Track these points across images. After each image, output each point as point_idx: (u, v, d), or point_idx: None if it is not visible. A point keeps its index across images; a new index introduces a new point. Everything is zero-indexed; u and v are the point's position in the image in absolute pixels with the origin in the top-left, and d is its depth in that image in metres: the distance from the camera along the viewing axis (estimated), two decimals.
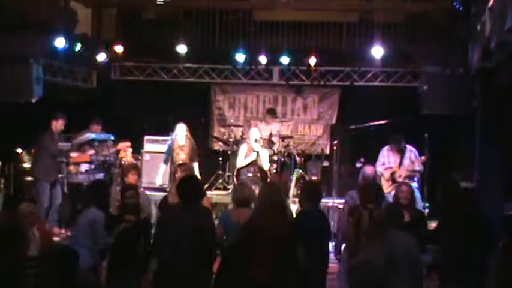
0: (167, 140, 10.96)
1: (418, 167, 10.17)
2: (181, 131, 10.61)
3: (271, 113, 12.76)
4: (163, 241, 6.05)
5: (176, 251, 5.82)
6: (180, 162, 10.20)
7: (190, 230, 5.80)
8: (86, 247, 6.55)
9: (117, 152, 10.94)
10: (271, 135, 11.97)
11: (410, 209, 7.38)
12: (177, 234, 5.84)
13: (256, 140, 10.71)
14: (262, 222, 6.06)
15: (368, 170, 8.44)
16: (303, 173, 12.16)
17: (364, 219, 6.00)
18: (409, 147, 10.23)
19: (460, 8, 10.19)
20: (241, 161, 10.81)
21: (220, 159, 12.63)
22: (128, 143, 10.96)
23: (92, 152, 10.60)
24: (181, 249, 5.80)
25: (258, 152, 10.67)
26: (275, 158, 11.71)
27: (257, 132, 10.93)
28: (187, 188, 6.13)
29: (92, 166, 10.61)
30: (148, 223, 7.10)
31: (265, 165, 10.85)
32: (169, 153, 10.70)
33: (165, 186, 10.80)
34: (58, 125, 10.31)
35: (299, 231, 6.58)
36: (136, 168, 8.26)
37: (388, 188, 9.73)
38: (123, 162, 10.92)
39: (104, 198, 6.98)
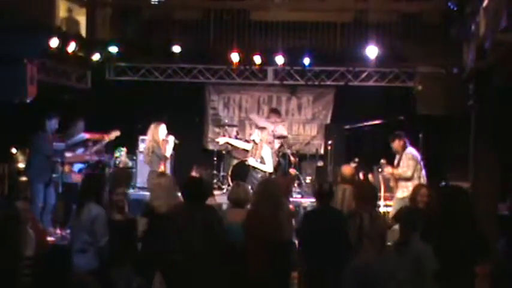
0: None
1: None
2: (163, 131, 10.53)
3: (275, 112, 12.78)
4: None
5: (187, 252, 5.92)
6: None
7: (201, 228, 5.91)
8: (87, 247, 6.44)
9: (112, 151, 10.92)
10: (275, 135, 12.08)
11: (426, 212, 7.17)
12: (188, 234, 5.94)
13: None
14: (254, 224, 6.11)
15: (344, 169, 8.11)
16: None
17: (365, 222, 5.95)
18: (409, 149, 9.53)
19: (455, 8, 10.19)
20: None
21: (215, 159, 12.63)
22: (118, 132, 10.79)
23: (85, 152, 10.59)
24: (193, 250, 5.89)
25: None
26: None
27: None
28: (193, 187, 6.32)
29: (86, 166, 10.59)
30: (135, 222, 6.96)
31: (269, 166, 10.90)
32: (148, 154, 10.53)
33: None
34: (52, 125, 10.28)
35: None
36: (127, 180, 7.87)
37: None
38: (117, 162, 10.88)
39: (102, 192, 6.78)
